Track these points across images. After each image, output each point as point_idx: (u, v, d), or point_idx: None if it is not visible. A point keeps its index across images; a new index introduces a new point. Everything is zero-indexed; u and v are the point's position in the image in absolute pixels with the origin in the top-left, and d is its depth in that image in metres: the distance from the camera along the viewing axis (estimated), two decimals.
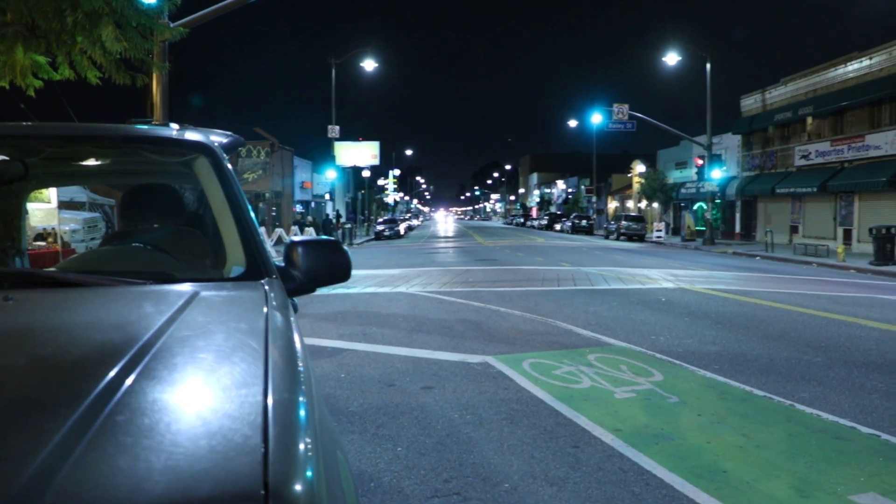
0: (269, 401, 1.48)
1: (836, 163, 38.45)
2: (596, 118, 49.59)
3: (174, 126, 3.53)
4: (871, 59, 36.74)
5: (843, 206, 38.45)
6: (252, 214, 3.01)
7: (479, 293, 15.76)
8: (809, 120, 41.66)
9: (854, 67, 38.01)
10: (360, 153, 60.36)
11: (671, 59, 43.61)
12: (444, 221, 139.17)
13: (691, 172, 51.72)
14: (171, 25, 14.83)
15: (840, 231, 38.34)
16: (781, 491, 4.69)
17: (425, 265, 25.41)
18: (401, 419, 6.26)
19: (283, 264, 2.98)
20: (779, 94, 45.28)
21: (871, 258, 26.48)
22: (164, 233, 3.44)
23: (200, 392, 1.57)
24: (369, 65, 45.94)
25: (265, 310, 2.26)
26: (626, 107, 45.70)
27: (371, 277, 19.67)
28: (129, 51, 11.63)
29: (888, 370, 8.41)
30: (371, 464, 5.17)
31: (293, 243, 3.05)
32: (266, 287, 2.56)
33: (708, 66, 43.08)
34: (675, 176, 59.48)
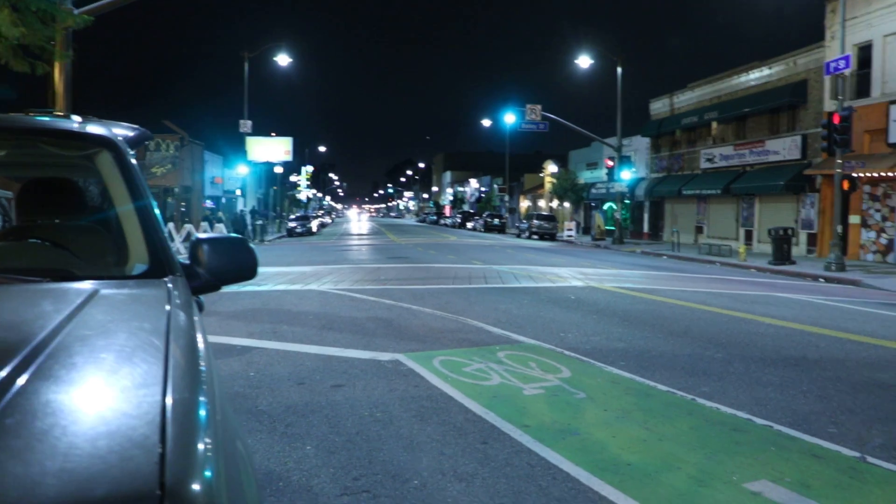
0: (169, 401, 1.46)
1: (739, 166, 39.87)
2: (509, 118, 50.19)
3: (76, 118, 3.43)
4: (770, 68, 38.21)
5: (744, 207, 39.89)
6: (157, 211, 2.95)
7: (391, 291, 15.76)
8: (714, 125, 43.07)
9: (755, 76, 39.47)
10: (272, 149, 59.52)
11: (584, 62, 44.48)
12: (358, 219, 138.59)
13: (602, 173, 52.81)
14: (75, 12, 14.32)
15: (742, 232, 39.77)
16: (681, 482, 4.85)
17: (337, 263, 25.25)
18: (310, 417, 6.21)
19: (188, 261, 2.94)
20: (686, 98, 46.65)
21: (770, 258, 27.57)
22: (64, 229, 3.34)
23: (98, 392, 1.54)
24: (283, 59, 45.43)
25: (168, 308, 2.22)
26: (538, 107, 46.31)
27: (282, 275, 19.44)
28: (28, 37, 11.20)
29: (782, 364, 8.79)
30: (280, 463, 5.12)
31: (198, 241, 3.01)
32: (169, 285, 2.52)
33: (619, 69, 44.06)
34: (586, 176, 60.66)
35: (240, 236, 3.17)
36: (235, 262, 3.02)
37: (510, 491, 4.67)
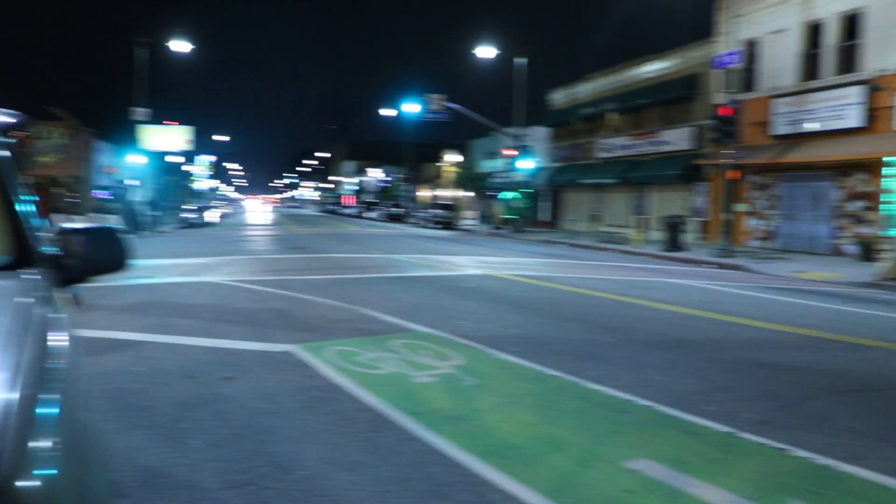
0: (12, 397, 1.43)
1: (635, 156, 40.99)
2: (413, 108, 50.20)
3: None
4: (665, 62, 39.39)
5: (640, 196, 41.06)
6: (27, 200, 2.86)
7: (288, 282, 15.58)
8: (611, 115, 44.09)
9: (651, 69, 40.63)
10: (171, 138, 57.89)
11: (487, 52, 44.84)
12: (259, 209, 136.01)
13: (503, 162, 53.40)
14: None
15: (637, 220, 40.91)
16: (565, 463, 4.99)
17: (235, 254, 24.80)
18: (199, 411, 6.09)
19: (59, 252, 2.85)
20: (585, 89, 47.63)
21: (663, 245, 28.48)
22: None
23: None
24: (183, 46, 44.19)
25: (25, 301, 2.16)
26: (441, 97, 46.52)
27: (176, 267, 18.95)
28: None
29: (667, 347, 9.13)
30: (164, 459, 5.00)
31: (65, 231, 2.93)
32: (31, 277, 2.45)
33: (517, 60, 44.62)
34: (487, 166, 61.22)
35: (110, 226, 3.09)
36: (104, 254, 2.95)
37: (397, 478, 4.70)
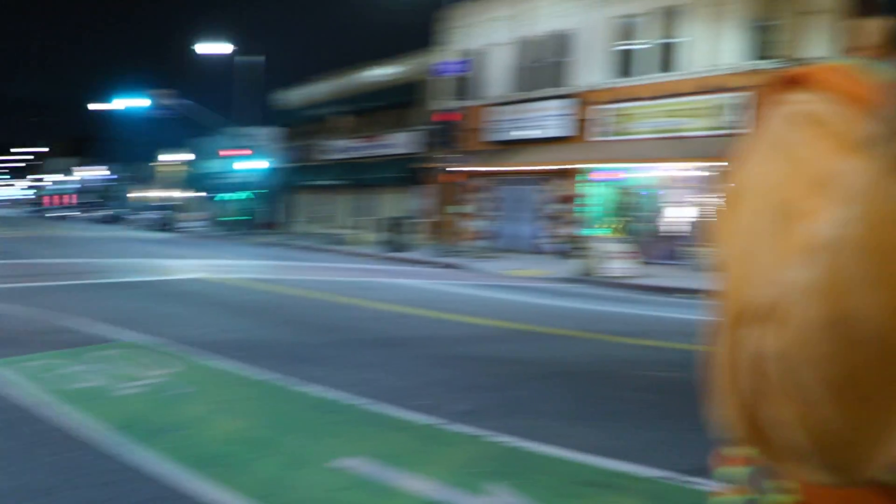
0: None
1: (364, 158, 41.71)
2: (140, 102, 47.69)
3: None
4: (392, 67, 40.47)
5: (368, 198, 41.85)
6: None
7: None
8: (342, 117, 44.48)
9: (379, 73, 41.53)
10: None
11: (220, 49, 43.65)
12: None
13: (232, 162, 52.06)
14: None
15: (360, 221, 41.66)
16: (274, 467, 5.00)
17: None
18: None
19: None
20: (316, 91, 47.62)
21: (386, 246, 29.31)
22: None
23: None
24: None
25: None
26: (169, 93, 44.69)
27: None
28: None
29: (382, 345, 9.47)
30: None
31: None
32: None
33: (242, 59, 43.89)
34: (215, 166, 59.33)
35: None
36: None
37: (95, 500, 4.46)
